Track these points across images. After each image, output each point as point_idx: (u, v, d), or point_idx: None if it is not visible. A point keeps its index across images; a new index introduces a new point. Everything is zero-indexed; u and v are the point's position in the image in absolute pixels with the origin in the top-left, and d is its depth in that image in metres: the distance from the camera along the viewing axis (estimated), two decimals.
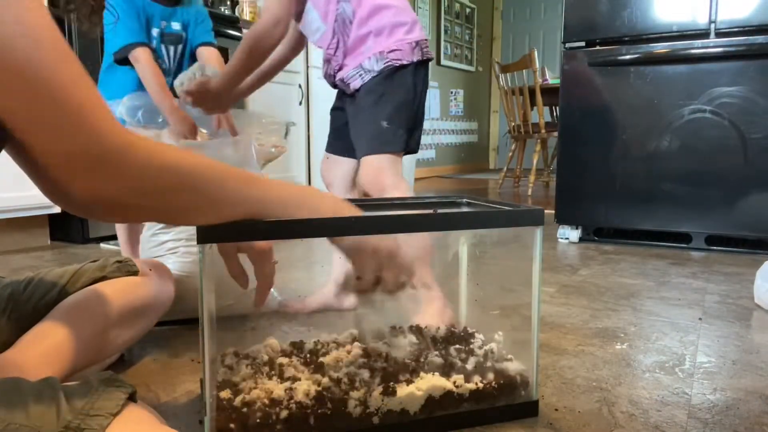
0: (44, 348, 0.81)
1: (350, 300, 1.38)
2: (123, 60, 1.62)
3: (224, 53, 2.77)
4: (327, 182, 1.45)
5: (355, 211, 0.73)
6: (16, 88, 0.47)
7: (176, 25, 1.71)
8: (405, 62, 1.24)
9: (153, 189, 0.56)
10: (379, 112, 1.23)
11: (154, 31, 1.66)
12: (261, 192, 0.66)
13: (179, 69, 1.74)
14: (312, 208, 0.69)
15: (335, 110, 1.42)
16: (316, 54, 3.45)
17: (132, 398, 0.55)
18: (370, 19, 1.25)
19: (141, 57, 1.58)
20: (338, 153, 1.42)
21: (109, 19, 1.58)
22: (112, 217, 0.59)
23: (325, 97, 3.50)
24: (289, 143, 3.34)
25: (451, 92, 6.33)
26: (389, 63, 1.23)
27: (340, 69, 1.29)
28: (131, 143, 0.53)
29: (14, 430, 0.47)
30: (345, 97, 1.36)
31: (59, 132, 0.49)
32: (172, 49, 1.72)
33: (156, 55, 1.67)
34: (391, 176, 1.21)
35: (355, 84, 1.27)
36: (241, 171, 0.65)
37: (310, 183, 3.52)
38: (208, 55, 1.74)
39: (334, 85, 1.36)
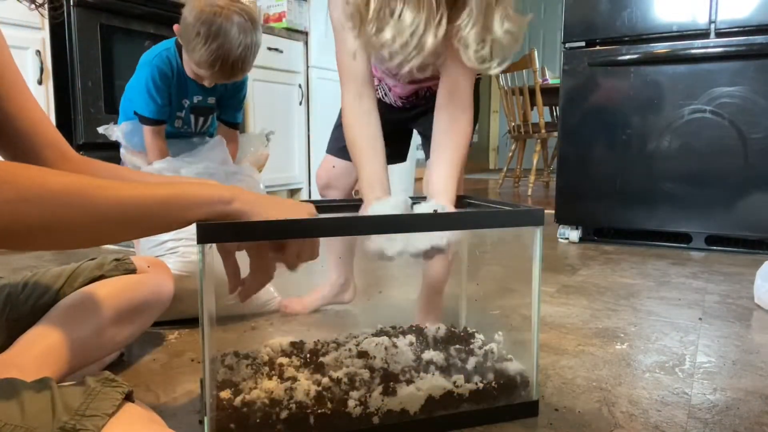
0: (42, 348, 0.81)
1: (349, 294, 1.39)
2: None
3: None
4: (329, 187, 1.36)
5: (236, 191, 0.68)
6: None
7: (212, 100, 1.67)
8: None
9: (37, 208, 0.52)
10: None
11: (185, 102, 1.63)
12: (147, 196, 0.61)
13: (203, 133, 1.73)
14: (208, 200, 0.65)
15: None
16: (316, 54, 3.45)
17: (129, 398, 0.55)
18: None
19: (148, 135, 1.58)
20: (342, 157, 1.31)
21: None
22: (8, 245, 0.53)
23: (325, 97, 3.50)
24: (289, 143, 3.34)
25: None
26: (479, 77, 1.18)
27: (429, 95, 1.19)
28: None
29: (10, 430, 0.47)
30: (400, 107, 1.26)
31: None
32: (201, 119, 1.69)
33: (183, 122, 1.66)
34: None
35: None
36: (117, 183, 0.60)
37: (310, 182, 3.52)
38: (226, 136, 1.71)
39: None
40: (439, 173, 1.00)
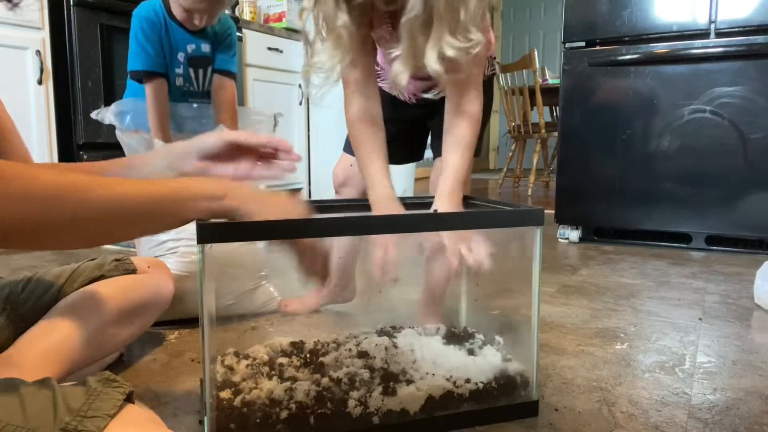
0: (43, 348, 0.81)
1: (349, 293, 1.38)
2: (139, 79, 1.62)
3: None
4: (346, 185, 1.30)
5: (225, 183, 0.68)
6: None
7: (205, 47, 1.66)
8: (489, 74, 1.19)
9: (11, 217, 0.51)
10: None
11: (181, 56, 1.62)
12: (140, 195, 0.60)
13: (209, 91, 1.71)
14: (204, 195, 0.65)
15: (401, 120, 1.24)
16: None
17: (129, 399, 0.55)
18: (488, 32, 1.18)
19: (147, 89, 1.58)
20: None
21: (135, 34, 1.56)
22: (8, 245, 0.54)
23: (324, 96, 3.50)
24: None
25: None
26: (493, 71, 1.18)
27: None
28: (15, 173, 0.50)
29: (12, 430, 0.47)
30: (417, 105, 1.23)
31: None
32: (200, 71, 1.68)
33: (183, 78, 1.65)
34: None
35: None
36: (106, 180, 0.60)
37: (310, 182, 3.52)
38: (221, 86, 1.69)
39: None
40: (445, 174, 1.00)
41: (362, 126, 1.03)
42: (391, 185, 1.00)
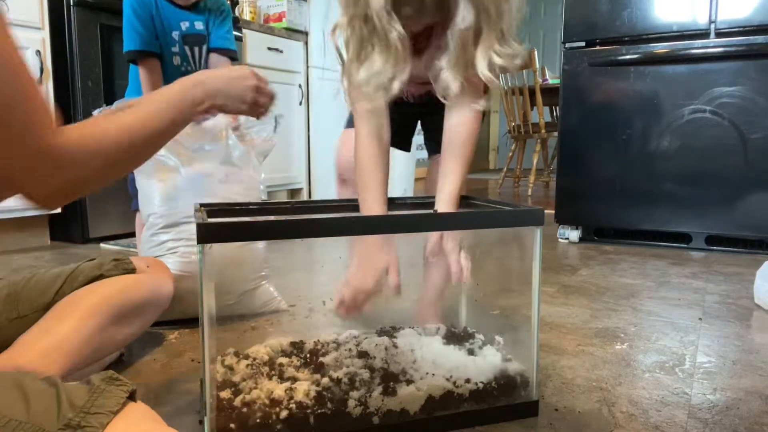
0: (42, 347, 0.81)
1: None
2: (134, 61, 1.61)
3: None
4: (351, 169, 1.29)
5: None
6: None
7: (199, 25, 1.65)
8: None
9: (102, 168, 0.65)
10: None
11: (175, 34, 1.61)
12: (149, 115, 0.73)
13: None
14: (181, 97, 0.79)
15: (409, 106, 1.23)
16: (316, 54, 3.45)
17: (132, 397, 0.55)
18: None
19: (141, 70, 1.58)
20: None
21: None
22: (71, 198, 0.67)
23: (325, 97, 3.50)
24: (289, 143, 3.34)
25: None
26: None
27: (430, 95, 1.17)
28: (70, 139, 0.60)
29: (15, 426, 0.48)
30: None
31: (8, 144, 0.56)
32: (196, 49, 1.66)
33: (180, 57, 1.64)
34: None
35: None
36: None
37: (310, 182, 3.52)
38: (217, 67, 1.68)
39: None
40: (444, 181, 1.02)
41: (371, 148, 1.04)
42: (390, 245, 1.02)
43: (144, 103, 0.73)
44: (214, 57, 1.71)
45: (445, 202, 0.99)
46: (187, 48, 1.65)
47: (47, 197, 0.62)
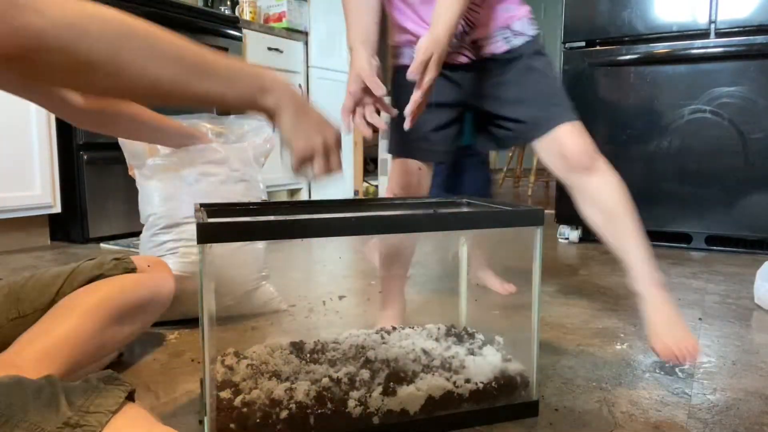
0: (43, 347, 0.81)
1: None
2: None
3: (223, 53, 2.77)
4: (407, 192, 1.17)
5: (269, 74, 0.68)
6: None
7: None
8: (541, 33, 1.12)
9: (79, 30, 0.51)
10: (555, 77, 1.11)
11: None
12: (194, 57, 0.60)
13: None
14: (254, 85, 0.66)
15: (439, 106, 1.11)
16: (316, 54, 3.45)
17: (130, 397, 0.55)
18: None
19: None
20: (428, 160, 1.17)
21: None
22: (33, 71, 0.52)
23: (325, 97, 3.50)
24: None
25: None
26: (538, 31, 1.11)
27: (472, 28, 1.08)
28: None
29: (14, 425, 0.48)
30: (459, 70, 1.12)
31: None
32: None
33: None
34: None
35: (498, 47, 1.08)
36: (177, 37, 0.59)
37: (310, 183, 3.52)
38: None
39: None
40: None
41: None
42: (370, 44, 1.02)
43: (224, 58, 0.61)
44: None
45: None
46: None
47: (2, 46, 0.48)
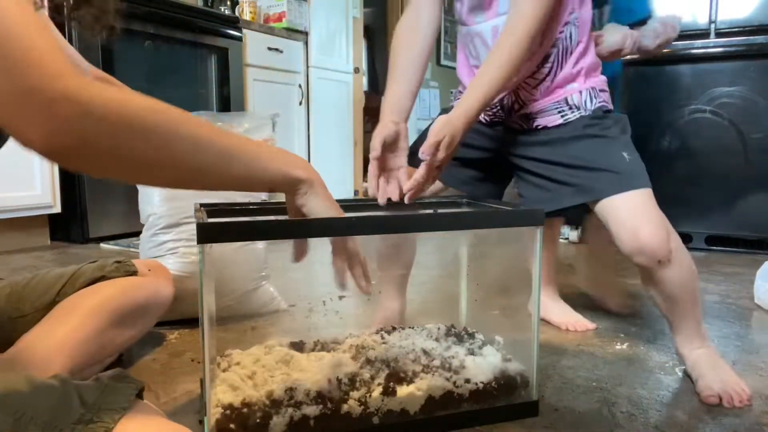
0: (44, 348, 0.82)
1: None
2: None
3: (223, 54, 2.77)
4: None
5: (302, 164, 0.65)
6: None
7: None
8: (610, 108, 1.05)
9: (108, 133, 0.49)
10: (616, 144, 1.00)
11: None
12: (228, 141, 0.58)
13: None
14: (285, 161, 0.63)
15: (474, 148, 1.09)
16: (316, 54, 3.45)
17: (140, 395, 0.56)
18: (587, 54, 1.03)
19: None
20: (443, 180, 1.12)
21: None
22: (76, 165, 0.52)
23: (325, 97, 3.50)
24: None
25: (452, 92, 6.33)
26: (603, 104, 1.03)
27: (523, 105, 1.05)
28: (82, 86, 0.48)
29: (28, 421, 0.48)
30: (504, 135, 1.09)
31: (7, 74, 0.45)
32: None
33: None
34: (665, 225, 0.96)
35: (550, 121, 1.03)
36: (202, 120, 0.57)
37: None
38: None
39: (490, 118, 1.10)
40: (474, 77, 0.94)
41: (402, 37, 1.04)
42: (398, 112, 0.97)
43: (229, 132, 0.59)
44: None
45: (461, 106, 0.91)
46: None
47: (46, 143, 0.47)
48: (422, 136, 1.07)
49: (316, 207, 0.65)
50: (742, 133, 2.05)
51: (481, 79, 0.91)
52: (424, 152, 0.88)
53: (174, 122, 0.53)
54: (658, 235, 0.92)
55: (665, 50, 2.04)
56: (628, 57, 1.54)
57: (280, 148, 0.65)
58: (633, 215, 0.93)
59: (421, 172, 0.89)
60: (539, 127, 1.04)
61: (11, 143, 0.57)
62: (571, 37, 1.01)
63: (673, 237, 0.95)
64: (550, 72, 1.02)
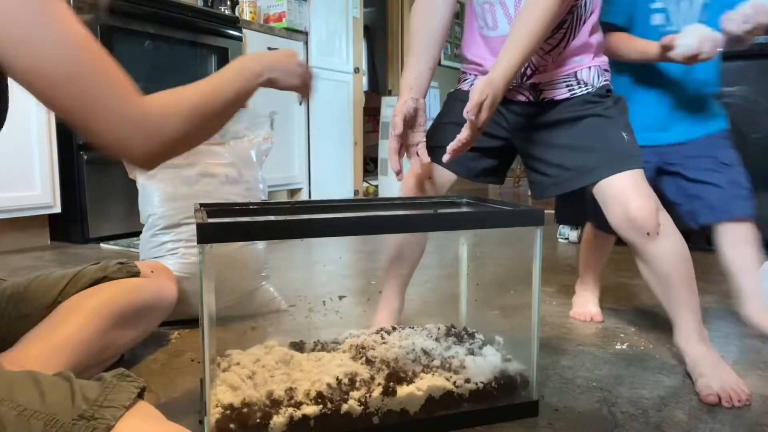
0: (46, 348, 0.82)
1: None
2: None
3: (223, 54, 2.77)
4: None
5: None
6: (63, 93, 0.57)
7: None
8: (611, 87, 1.07)
9: (186, 129, 0.66)
10: (616, 125, 1.02)
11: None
12: (218, 82, 0.76)
13: None
14: (242, 69, 0.81)
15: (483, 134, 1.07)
16: (316, 54, 3.45)
17: (141, 395, 0.56)
18: (597, 31, 1.06)
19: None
20: (450, 169, 1.11)
21: None
22: (171, 156, 0.68)
23: (325, 97, 3.50)
24: (289, 143, 3.34)
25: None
26: (606, 83, 1.06)
27: (535, 71, 1.05)
28: (155, 105, 0.63)
29: (30, 415, 0.49)
30: (512, 105, 1.08)
31: (110, 122, 0.59)
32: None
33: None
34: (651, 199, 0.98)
35: (559, 94, 1.04)
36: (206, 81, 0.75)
37: (310, 183, 3.52)
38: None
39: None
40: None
41: (419, 15, 1.07)
42: (417, 88, 1.03)
43: (215, 75, 0.79)
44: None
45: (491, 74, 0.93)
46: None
47: (147, 160, 0.65)
48: (431, 130, 1.12)
49: (284, 85, 0.91)
50: (742, 133, 2.05)
51: (516, 40, 0.94)
52: (468, 112, 0.90)
53: (206, 93, 0.71)
54: (647, 207, 0.96)
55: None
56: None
57: (238, 65, 0.82)
58: (626, 191, 0.97)
59: (465, 133, 0.93)
60: (545, 99, 1.06)
61: (5, 130, 0.64)
62: (585, 5, 1.03)
63: (663, 213, 0.99)
64: (563, 38, 1.03)
